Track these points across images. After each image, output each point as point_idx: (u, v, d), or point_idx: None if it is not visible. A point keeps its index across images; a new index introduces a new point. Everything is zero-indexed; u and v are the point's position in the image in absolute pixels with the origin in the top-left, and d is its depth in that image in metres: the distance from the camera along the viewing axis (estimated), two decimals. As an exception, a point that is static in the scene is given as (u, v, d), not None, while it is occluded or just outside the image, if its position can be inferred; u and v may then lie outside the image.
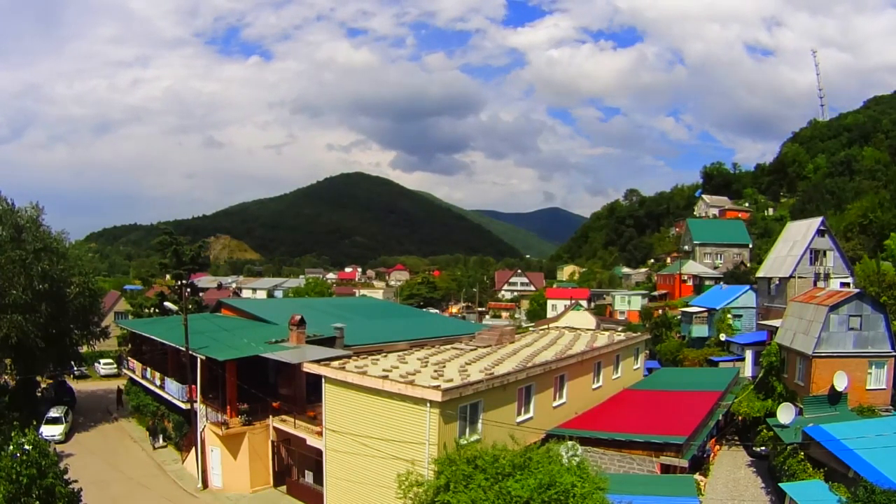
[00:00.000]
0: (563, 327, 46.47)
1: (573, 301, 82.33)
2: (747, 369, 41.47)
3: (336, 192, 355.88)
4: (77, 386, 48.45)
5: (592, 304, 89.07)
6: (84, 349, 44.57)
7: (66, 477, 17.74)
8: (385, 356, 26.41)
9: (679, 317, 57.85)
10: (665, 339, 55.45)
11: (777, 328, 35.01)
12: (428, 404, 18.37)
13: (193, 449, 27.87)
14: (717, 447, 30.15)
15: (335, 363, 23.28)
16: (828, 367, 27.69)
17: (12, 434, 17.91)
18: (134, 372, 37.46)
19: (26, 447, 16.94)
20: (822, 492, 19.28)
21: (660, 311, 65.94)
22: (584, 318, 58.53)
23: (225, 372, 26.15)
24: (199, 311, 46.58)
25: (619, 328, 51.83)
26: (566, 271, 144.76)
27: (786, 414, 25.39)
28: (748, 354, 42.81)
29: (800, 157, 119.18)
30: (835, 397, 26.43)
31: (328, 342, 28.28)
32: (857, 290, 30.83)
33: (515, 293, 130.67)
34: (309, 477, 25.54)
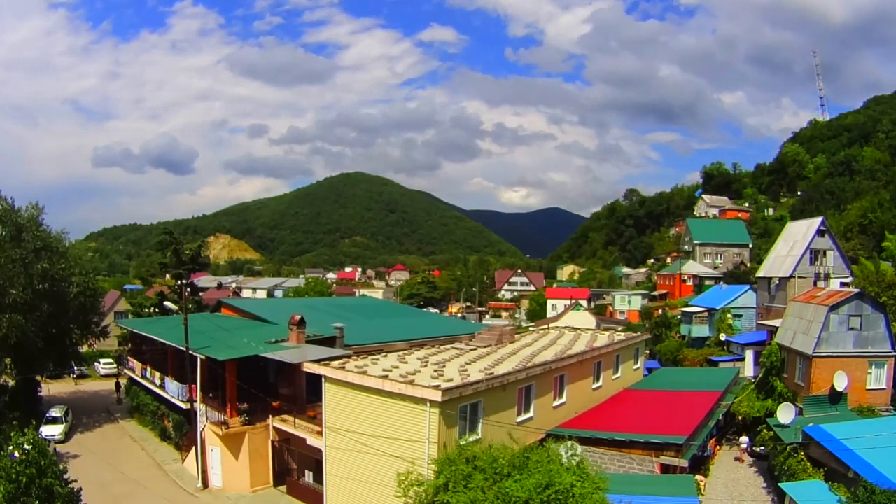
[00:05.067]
0: (563, 327, 46.45)
1: (573, 301, 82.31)
2: (747, 369, 41.48)
3: (336, 192, 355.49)
4: (77, 386, 48.59)
5: (592, 304, 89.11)
6: (84, 349, 44.60)
7: (65, 477, 17.75)
8: (385, 356, 26.41)
9: (679, 317, 57.84)
10: (665, 339, 55.47)
11: (777, 328, 34.99)
12: (428, 404, 18.36)
13: (193, 448, 27.87)
14: (718, 447, 30.14)
15: (335, 363, 23.28)
16: (828, 367, 27.70)
17: (12, 434, 17.92)
18: (134, 371, 37.46)
19: (26, 447, 16.95)
20: (822, 492, 19.27)
21: (660, 311, 65.96)
22: (584, 318, 58.55)
23: (225, 372, 26.15)
24: (199, 310, 46.52)
25: (619, 328, 51.82)
26: (566, 271, 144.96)
27: (786, 414, 25.40)
28: (748, 354, 42.82)
29: (800, 157, 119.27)
30: (835, 397, 26.44)
31: (328, 342, 28.27)
32: (857, 290, 30.81)
33: (515, 293, 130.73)
34: (309, 476, 25.55)
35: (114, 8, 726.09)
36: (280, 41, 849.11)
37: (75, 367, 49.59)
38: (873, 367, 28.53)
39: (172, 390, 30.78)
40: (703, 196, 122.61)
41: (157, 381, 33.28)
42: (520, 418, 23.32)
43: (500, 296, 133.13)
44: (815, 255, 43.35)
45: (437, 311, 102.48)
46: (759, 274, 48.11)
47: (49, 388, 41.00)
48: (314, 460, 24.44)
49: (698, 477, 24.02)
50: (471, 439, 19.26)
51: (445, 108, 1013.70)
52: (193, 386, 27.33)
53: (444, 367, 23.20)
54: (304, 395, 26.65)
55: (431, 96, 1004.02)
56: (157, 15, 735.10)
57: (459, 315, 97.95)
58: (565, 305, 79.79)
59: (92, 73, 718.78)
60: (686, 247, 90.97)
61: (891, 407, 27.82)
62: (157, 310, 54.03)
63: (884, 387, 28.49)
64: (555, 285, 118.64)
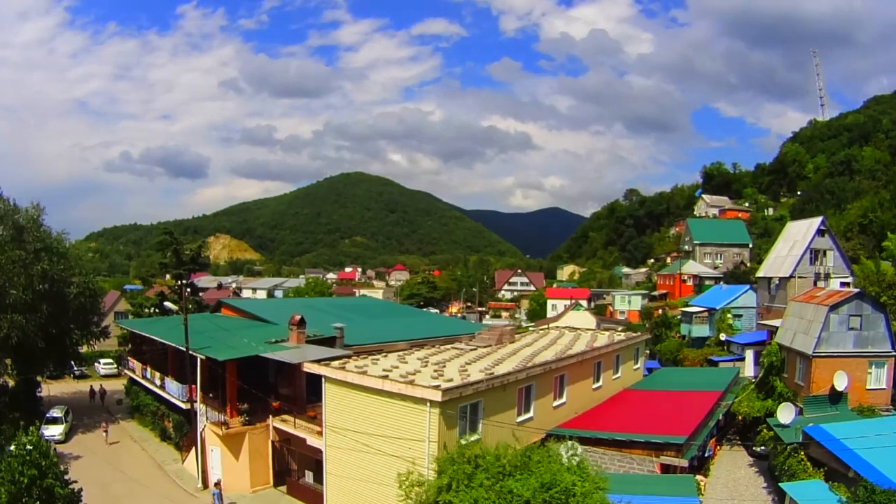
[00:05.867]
0: (564, 327, 46.45)
1: (573, 301, 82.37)
2: (747, 369, 41.47)
3: (336, 192, 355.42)
4: (77, 386, 48.55)
5: (592, 304, 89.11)
6: (84, 349, 44.60)
7: (66, 477, 17.78)
8: (385, 356, 26.41)
9: (679, 317, 57.84)
10: (665, 339, 55.46)
11: (777, 328, 35.00)
12: (428, 404, 18.35)
13: (193, 448, 27.88)
14: (718, 447, 30.14)
15: (335, 363, 23.28)
16: (828, 367, 27.70)
17: (16, 434, 17.96)
18: (134, 372, 37.48)
19: (28, 447, 16.98)
20: (822, 492, 19.27)
21: (660, 311, 65.95)
22: (584, 318, 58.53)
23: (225, 372, 26.16)
24: (199, 310, 46.56)
25: (619, 328, 51.82)
26: (566, 271, 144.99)
27: (786, 414, 25.38)
28: (748, 354, 42.81)
29: (800, 156, 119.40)
30: (835, 397, 26.44)
31: (328, 342, 28.28)
32: (857, 290, 30.82)
33: (515, 293, 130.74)
34: (309, 477, 25.56)
35: (120, 9, 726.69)
36: (283, 44, 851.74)
37: (75, 368, 49.59)
38: (873, 366, 28.54)
39: (173, 390, 30.79)
40: (703, 196, 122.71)
41: (158, 382, 33.29)
42: (520, 418, 23.30)
43: (500, 296, 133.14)
44: (815, 254, 43.38)
45: (437, 311, 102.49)
46: (759, 274, 48.14)
47: (49, 389, 41.00)
48: (314, 460, 24.44)
49: (698, 477, 24.02)
50: (471, 439, 19.26)
51: (446, 110, 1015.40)
52: (193, 386, 27.34)
53: (444, 367, 23.20)
54: (304, 395, 26.66)
55: (433, 100, 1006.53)
56: (164, 17, 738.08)
57: (459, 315, 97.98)
58: (565, 305, 79.82)
59: (92, 75, 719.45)
60: (686, 247, 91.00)
61: (891, 407, 27.83)
62: (157, 310, 54.08)
63: (884, 387, 28.50)
64: (555, 285, 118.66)
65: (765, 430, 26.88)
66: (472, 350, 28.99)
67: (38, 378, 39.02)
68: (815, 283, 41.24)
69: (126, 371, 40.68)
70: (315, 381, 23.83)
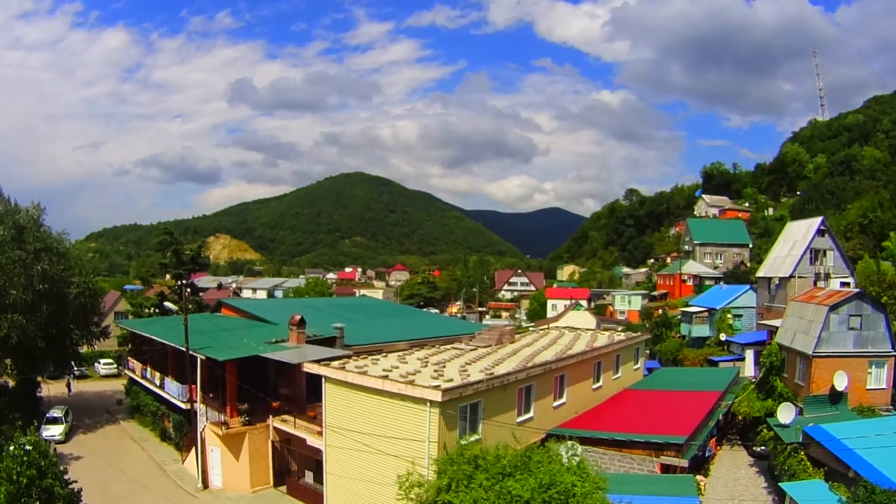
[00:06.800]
0: (564, 327, 46.42)
1: (573, 301, 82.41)
2: (747, 369, 41.48)
3: (336, 192, 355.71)
4: (78, 386, 48.56)
5: (592, 304, 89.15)
6: (84, 349, 44.57)
7: (65, 477, 17.77)
8: (385, 356, 26.39)
9: (679, 317, 57.86)
10: (665, 339, 55.48)
11: (777, 328, 35.01)
12: (428, 404, 18.35)
13: (193, 449, 27.88)
14: (718, 447, 30.14)
15: (335, 363, 23.26)
16: (828, 367, 27.71)
17: (14, 434, 17.96)
18: (134, 372, 37.47)
19: (27, 447, 16.97)
20: (822, 492, 19.27)
21: (660, 311, 65.97)
22: (584, 318, 58.55)
23: (225, 372, 26.16)
24: (199, 311, 46.54)
25: (619, 328, 51.78)
26: (566, 271, 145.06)
27: (786, 414, 25.38)
28: (748, 354, 42.82)
29: (800, 156, 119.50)
30: (835, 397, 26.44)
31: (328, 342, 28.29)
32: (857, 290, 30.82)
33: (515, 293, 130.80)
34: (309, 477, 25.57)
35: (126, 11, 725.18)
36: (284, 45, 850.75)
37: (75, 369, 49.52)
38: (873, 366, 28.55)
39: (172, 390, 30.79)
40: (703, 196, 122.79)
41: (158, 382, 33.28)
42: (520, 418, 23.29)
43: (500, 296, 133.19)
44: (815, 254, 43.39)
45: (437, 311, 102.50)
46: (759, 274, 48.14)
47: (49, 389, 40.97)
48: (314, 460, 24.45)
49: (698, 477, 24.02)
50: (471, 439, 19.26)
51: (448, 112, 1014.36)
52: (193, 386, 27.34)
53: (444, 367, 23.19)
54: (304, 395, 26.66)
55: (434, 102, 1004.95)
56: (171, 20, 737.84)
57: (459, 315, 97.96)
58: (565, 305, 79.85)
59: (98, 77, 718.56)
60: (686, 247, 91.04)
61: (891, 407, 27.83)
62: (157, 310, 54.06)
63: (884, 386, 28.51)
64: (555, 285, 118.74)
65: (765, 430, 26.88)
66: (472, 350, 28.99)
67: (38, 378, 39.00)
68: (815, 283, 41.24)
69: (126, 371, 40.67)
70: (315, 381, 23.82)
